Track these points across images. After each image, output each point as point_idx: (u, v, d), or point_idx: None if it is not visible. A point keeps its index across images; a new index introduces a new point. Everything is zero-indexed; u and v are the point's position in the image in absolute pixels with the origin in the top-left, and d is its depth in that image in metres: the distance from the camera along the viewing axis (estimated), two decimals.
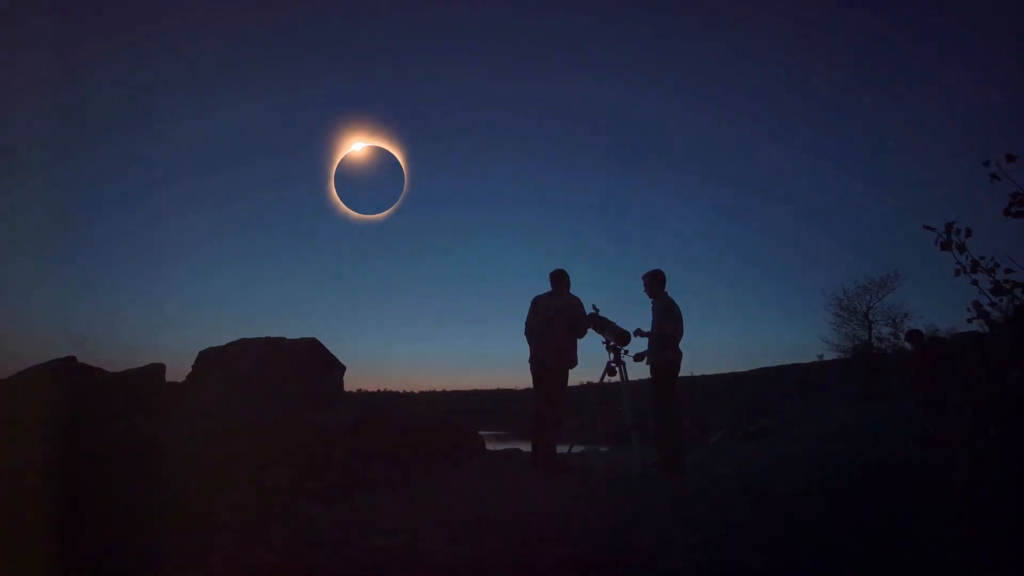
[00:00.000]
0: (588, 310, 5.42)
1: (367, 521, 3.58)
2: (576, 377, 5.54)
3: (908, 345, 7.25)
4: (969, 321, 2.33)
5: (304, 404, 5.59)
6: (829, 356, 23.28)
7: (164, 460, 4.62)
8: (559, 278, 5.47)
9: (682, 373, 5.62)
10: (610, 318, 5.35)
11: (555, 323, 5.24)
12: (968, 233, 2.32)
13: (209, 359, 6.02)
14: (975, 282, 2.29)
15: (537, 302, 5.40)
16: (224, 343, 6.16)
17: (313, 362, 6.20)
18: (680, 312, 5.38)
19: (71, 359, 6.27)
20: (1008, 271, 2.23)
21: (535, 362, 5.31)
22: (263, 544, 3.19)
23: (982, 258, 2.21)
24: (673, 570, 2.56)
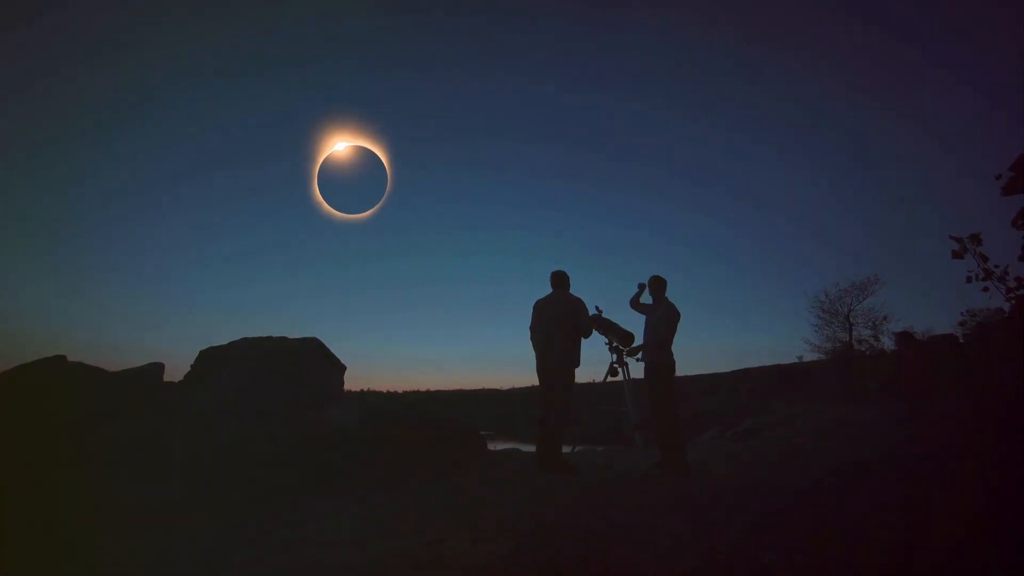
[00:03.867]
0: (591, 311, 5.46)
1: (382, 522, 3.57)
2: (579, 377, 5.56)
3: (895, 346, 7.46)
4: (961, 324, 2.44)
5: (306, 404, 5.55)
6: (809, 357, 23.74)
7: (164, 460, 4.55)
8: (558, 279, 5.42)
9: None
10: (613, 319, 5.43)
11: (555, 325, 5.19)
12: (979, 242, 2.41)
13: (210, 359, 5.92)
14: (986, 289, 2.38)
15: (538, 305, 5.38)
16: (225, 342, 6.09)
17: (314, 362, 6.15)
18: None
19: (61, 358, 6.13)
20: (1019, 278, 2.33)
21: (538, 364, 5.32)
22: (280, 546, 3.17)
23: (996, 266, 2.31)
24: (691, 568, 2.60)
